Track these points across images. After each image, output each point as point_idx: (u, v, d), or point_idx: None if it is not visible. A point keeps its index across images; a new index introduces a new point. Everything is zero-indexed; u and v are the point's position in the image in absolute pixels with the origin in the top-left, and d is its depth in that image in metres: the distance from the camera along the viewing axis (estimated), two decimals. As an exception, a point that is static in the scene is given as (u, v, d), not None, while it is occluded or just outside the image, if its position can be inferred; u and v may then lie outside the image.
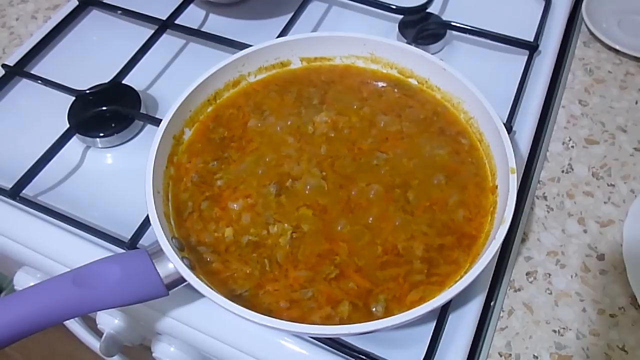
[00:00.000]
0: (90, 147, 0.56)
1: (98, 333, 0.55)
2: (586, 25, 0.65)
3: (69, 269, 0.39)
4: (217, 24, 0.66)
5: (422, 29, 0.61)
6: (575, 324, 0.46)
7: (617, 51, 0.63)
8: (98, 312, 0.52)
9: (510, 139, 0.45)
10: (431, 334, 0.42)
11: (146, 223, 0.47)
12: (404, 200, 0.45)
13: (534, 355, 0.45)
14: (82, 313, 0.38)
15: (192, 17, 0.66)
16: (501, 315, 0.47)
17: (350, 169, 0.47)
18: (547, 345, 0.45)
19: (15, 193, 0.50)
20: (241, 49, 0.52)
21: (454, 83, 0.50)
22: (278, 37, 0.58)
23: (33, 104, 0.60)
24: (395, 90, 0.52)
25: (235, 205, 0.45)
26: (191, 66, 0.62)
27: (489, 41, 0.61)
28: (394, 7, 0.63)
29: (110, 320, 0.52)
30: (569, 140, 0.57)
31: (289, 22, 0.62)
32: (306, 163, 0.47)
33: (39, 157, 0.52)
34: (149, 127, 0.57)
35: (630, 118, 0.58)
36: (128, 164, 0.55)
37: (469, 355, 0.43)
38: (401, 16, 0.63)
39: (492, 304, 0.47)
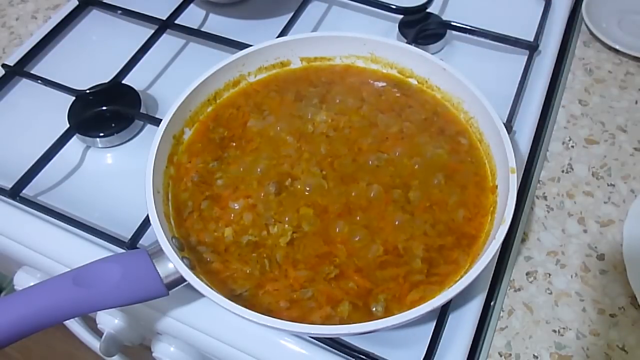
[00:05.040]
0: (90, 147, 0.56)
1: (98, 333, 0.55)
2: (586, 25, 0.65)
3: (69, 269, 0.39)
4: (217, 24, 0.66)
5: (422, 29, 0.61)
6: (575, 323, 0.46)
7: (617, 51, 0.63)
8: (98, 312, 0.52)
9: (510, 138, 0.45)
10: (431, 334, 0.42)
11: (146, 223, 0.47)
12: (404, 200, 0.45)
13: (534, 355, 0.45)
14: (82, 313, 0.38)
15: (192, 17, 0.66)
16: (501, 315, 0.47)
17: (350, 168, 0.47)
18: (547, 345, 0.45)
19: (15, 193, 0.50)
20: (241, 49, 0.52)
21: (454, 83, 0.50)
22: (278, 37, 0.58)
23: (33, 104, 0.60)
24: (395, 90, 0.52)
25: (235, 205, 0.45)
26: (191, 66, 0.62)
27: (489, 41, 0.61)
28: (394, 7, 0.63)
29: (110, 320, 0.52)
30: (569, 140, 0.57)
31: (289, 22, 0.62)
32: (306, 163, 0.47)
33: (39, 157, 0.52)
34: (149, 127, 0.57)
35: (630, 118, 0.58)
36: (128, 164, 0.55)
37: (469, 355, 0.43)
38: (401, 16, 0.63)
39: (492, 304, 0.47)
